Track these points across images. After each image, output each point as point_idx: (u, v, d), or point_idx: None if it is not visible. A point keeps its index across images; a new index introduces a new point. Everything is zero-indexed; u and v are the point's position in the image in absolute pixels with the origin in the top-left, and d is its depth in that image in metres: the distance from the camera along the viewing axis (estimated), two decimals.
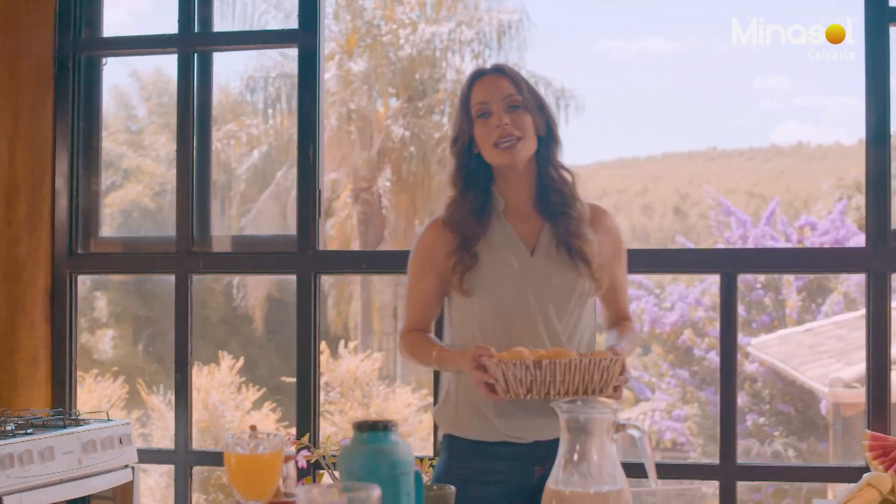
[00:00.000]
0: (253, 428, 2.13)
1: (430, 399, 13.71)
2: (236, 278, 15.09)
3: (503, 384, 2.45)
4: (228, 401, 10.39)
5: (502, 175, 2.78)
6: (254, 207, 16.52)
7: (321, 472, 3.45)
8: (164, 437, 10.16)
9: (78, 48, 4.07)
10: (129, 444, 3.73)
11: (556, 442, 2.44)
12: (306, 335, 3.88)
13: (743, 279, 14.96)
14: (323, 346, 11.17)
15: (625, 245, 2.91)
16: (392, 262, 4.20)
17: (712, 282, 15.46)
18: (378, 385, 11.41)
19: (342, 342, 12.96)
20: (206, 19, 4.04)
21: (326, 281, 16.21)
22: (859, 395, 10.04)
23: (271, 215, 16.11)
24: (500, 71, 2.78)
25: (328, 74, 16.32)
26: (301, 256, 3.87)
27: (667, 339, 15.84)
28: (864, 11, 3.59)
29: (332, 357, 11.55)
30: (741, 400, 14.56)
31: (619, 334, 2.86)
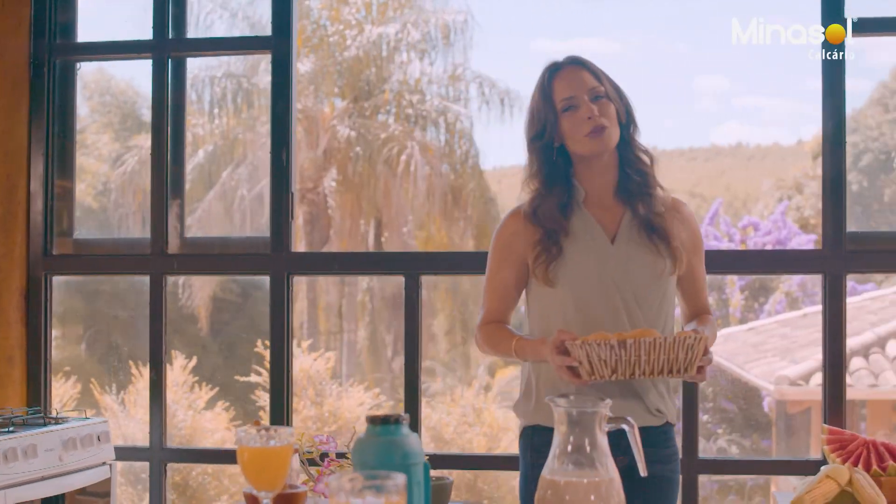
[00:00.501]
0: (257, 423, 2.23)
1: (383, 398, 13.80)
2: (182, 278, 15.09)
3: (587, 366, 2.48)
4: (181, 400, 10.42)
5: (586, 165, 2.82)
6: (199, 207, 16.50)
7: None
8: (117, 437, 10.16)
9: (53, 53, 4.13)
10: (107, 441, 3.80)
11: (648, 430, 2.73)
12: (280, 335, 3.97)
13: None
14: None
15: (702, 240, 2.96)
16: (364, 263, 4.30)
17: None
18: (331, 384, 11.46)
19: (294, 342, 13.02)
20: (180, 25, 4.11)
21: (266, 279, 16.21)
22: (804, 392, 10.24)
23: (217, 215, 16.09)
24: (579, 63, 2.83)
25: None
26: (275, 258, 3.95)
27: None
28: (821, 22, 3.73)
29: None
30: None
31: (697, 325, 2.89)
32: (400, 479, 1.52)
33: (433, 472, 2.53)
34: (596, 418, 2.04)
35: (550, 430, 2.45)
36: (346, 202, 16.97)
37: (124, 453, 4.01)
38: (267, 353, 11.41)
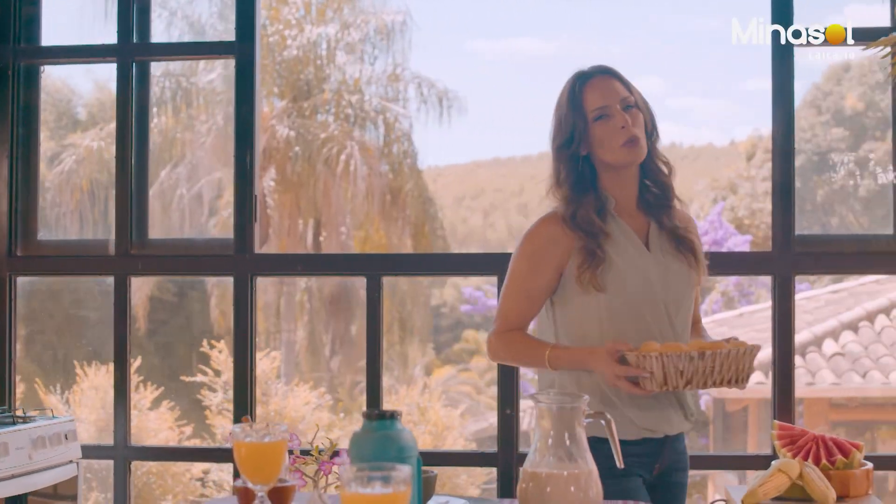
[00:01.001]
0: (246, 419, 2.31)
1: (329, 398, 13.85)
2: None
3: (660, 377, 2.51)
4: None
5: (614, 174, 2.81)
6: None
7: None
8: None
9: (17, 57, 4.17)
10: (74, 440, 3.85)
11: (676, 437, 2.79)
12: (244, 335, 4.03)
13: None
14: (222, 345, 11.25)
15: None
16: (327, 265, 4.38)
17: None
18: (276, 383, 11.52)
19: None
20: (144, 30, 4.16)
21: (209, 281, 16.20)
22: (746, 390, 10.44)
23: (155, 214, 16.06)
24: (609, 73, 2.83)
25: (214, 74, 16.34)
26: (238, 259, 4.02)
27: None
28: (771, 33, 3.86)
29: (230, 356, 11.63)
30: None
31: (702, 333, 2.97)
32: (406, 470, 1.62)
33: None
34: (575, 414, 2.15)
35: (595, 440, 2.44)
36: (286, 202, 16.98)
37: (89, 452, 4.06)
38: (213, 353, 11.49)
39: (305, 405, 11.36)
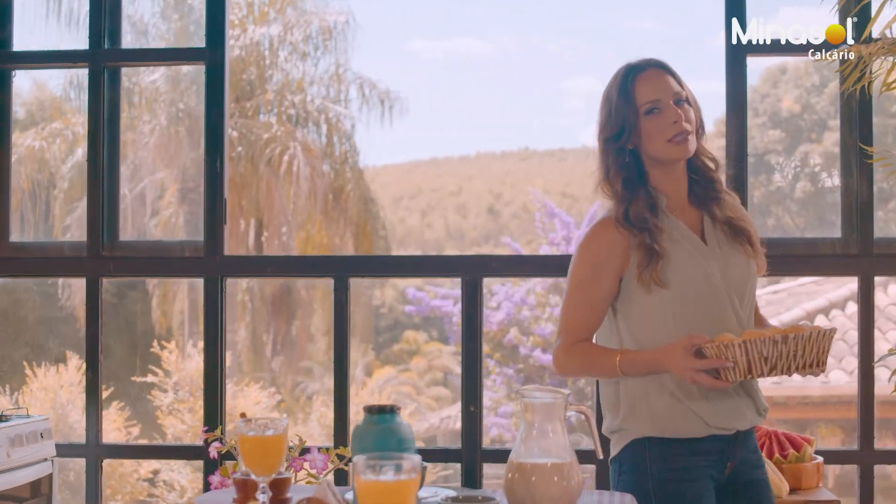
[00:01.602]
0: (243, 415, 2.43)
1: (279, 397, 13.91)
2: (61, 279, 14.98)
3: (744, 366, 2.49)
4: (77, 400, 10.44)
5: (661, 169, 2.79)
6: (79, 206, 16.41)
7: (234, 462, 3.69)
8: None
9: None
10: (49, 438, 3.94)
11: (748, 433, 2.76)
12: (214, 336, 4.13)
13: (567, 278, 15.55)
14: (172, 345, 11.28)
15: None
16: (295, 266, 4.48)
17: (537, 282, 16.03)
18: (227, 383, 11.56)
19: (190, 342, 13.05)
20: (115, 36, 4.24)
21: (151, 281, 16.18)
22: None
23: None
24: (661, 66, 2.79)
25: (157, 74, 16.32)
26: (209, 261, 4.12)
27: (493, 338, 16.34)
28: (725, 43, 4.01)
29: (181, 356, 11.68)
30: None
31: (762, 321, 2.93)
32: (416, 458, 1.75)
33: None
34: (557, 408, 2.29)
35: (670, 441, 2.69)
36: (228, 202, 17.01)
37: (62, 450, 4.14)
38: (163, 354, 11.53)
39: (256, 405, 11.43)
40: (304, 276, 4.68)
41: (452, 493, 2.24)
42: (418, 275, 4.52)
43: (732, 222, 2.79)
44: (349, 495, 2.21)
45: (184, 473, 10.87)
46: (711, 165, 2.83)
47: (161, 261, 4.20)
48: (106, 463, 4.15)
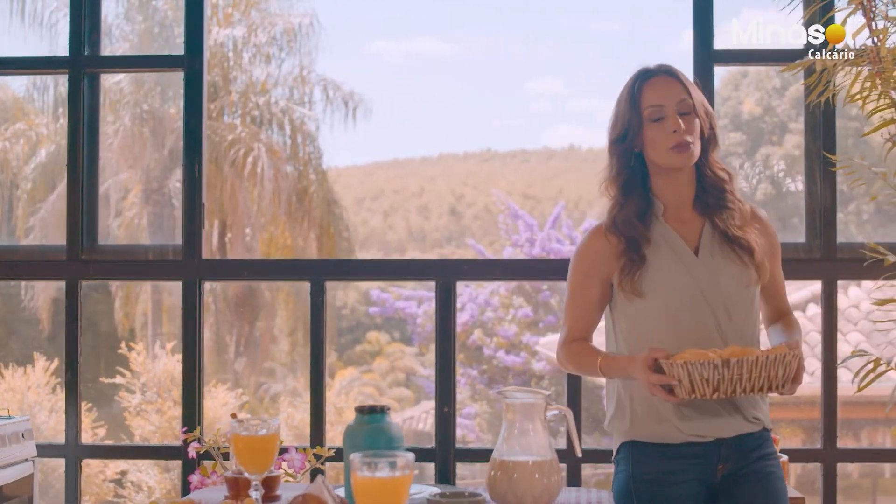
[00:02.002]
0: (234, 415, 2.51)
1: (246, 398, 13.95)
2: (23, 281, 14.97)
3: (688, 385, 2.49)
4: (44, 402, 10.46)
5: (665, 176, 2.81)
6: (42, 208, 16.37)
7: (212, 461, 3.76)
8: None
9: None
10: (31, 438, 3.99)
11: (738, 438, 2.75)
12: (192, 338, 4.18)
13: (531, 281, 15.70)
14: (140, 347, 11.30)
15: (778, 242, 2.92)
16: (272, 270, 4.55)
17: (500, 284, 16.13)
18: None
19: (157, 343, 13.06)
20: (95, 42, 4.30)
21: (114, 283, 16.17)
22: None
23: (60, 215, 15.98)
24: (670, 73, 2.81)
25: (121, 75, 16.31)
26: (187, 264, 4.18)
27: (457, 339, 16.45)
28: (693, 52, 4.10)
29: (148, 357, 11.70)
30: None
31: (783, 329, 2.86)
32: (409, 456, 1.84)
33: None
34: (537, 408, 2.39)
35: (651, 445, 2.75)
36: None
37: (41, 450, 4.18)
38: (131, 356, 11.55)
39: (223, 406, 11.48)
40: (281, 279, 4.75)
41: (437, 490, 2.33)
42: (393, 278, 4.60)
43: (730, 232, 2.78)
44: (340, 491, 2.30)
45: (151, 475, 10.90)
46: (724, 176, 2.83)
47: (139, 264, 4.26)
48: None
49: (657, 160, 2.78)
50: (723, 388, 2.49)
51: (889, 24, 3.18)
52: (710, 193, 2.81)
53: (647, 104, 2.77)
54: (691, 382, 2.48)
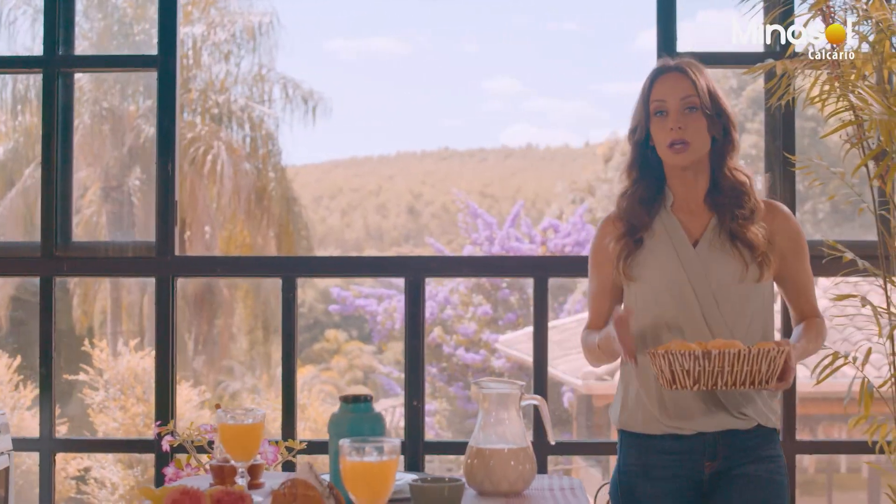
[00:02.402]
0: (218, 406, 2.59)
1: (209, 395, 13.98)
2: None
3: (668, 376, 2.47)
4: (7, 399, 10.44)
5: (674, 171, 2.81)
6: (0, 205, 16.33)
7: (186, 454, 3.82)
8: None
9: None
10: (7, 432, 4.05)
11: (726, 435, 2.72)
12: (165, 334, 4.24)
13: (490, 279, 15.82)
14: (104, 344, 11.32)
15: (805, 240, 2.86)
16: (243, 267, 4.62)
17: (459, 281, 16.25)
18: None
19: (119, 340, 13.07)
20: (69, 42, 4.36)
21: (72, 280, 16.16)
22: (610, 386, 10.94)
23: (19, 212, 15.95)
24: (681, 70, 2.79)
25: (80, 73, 16.27)
26: (160, 261, 4.24)
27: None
28: (656, 54, 4.19)
29: (111, 355, 11.72)
30: None
31: (800, 331, 2.81)
32: (395, 442, 1.93)
33: None
34: (512, 398, 2.49)
35: (636, 436, 2.78)
36: (151, 201, 16.97)
37: (15, 444, 4.23)
38: (95, 353, 11.56)
39: (187, 403, 11.52)
40: (253, 275, 4.82)
41: (416, 477, 2.42)
42: (363, 274, 4.68)
43: (737, 229, 2.76)
44: (325, 477, 2.38)
45: (115, 471, 10.93)
46: (743, 179, 2.81)
47: (113, 260, 4.32)
48: (32, 461, 4.26)
49: (660, 155, 2.80)
50: (703, 381, 2.46)
51: (848, 31, 3.30)
52: (726, 195, 2.79)
53: (653, 99, 2.78)
54: (672, 373, 2.46)
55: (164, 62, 4.27)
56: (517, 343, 14.35)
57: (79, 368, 11.43)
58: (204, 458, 3.73)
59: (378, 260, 4.76)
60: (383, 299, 16.84)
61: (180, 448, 3.78)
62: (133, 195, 16.94)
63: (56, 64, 4.29)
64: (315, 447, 4.11)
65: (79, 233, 16.48)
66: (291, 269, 4.28)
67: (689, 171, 2.80)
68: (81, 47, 17.01)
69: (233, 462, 2.38)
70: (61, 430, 11.37)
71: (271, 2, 19.81)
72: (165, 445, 3.69)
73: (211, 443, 3.59)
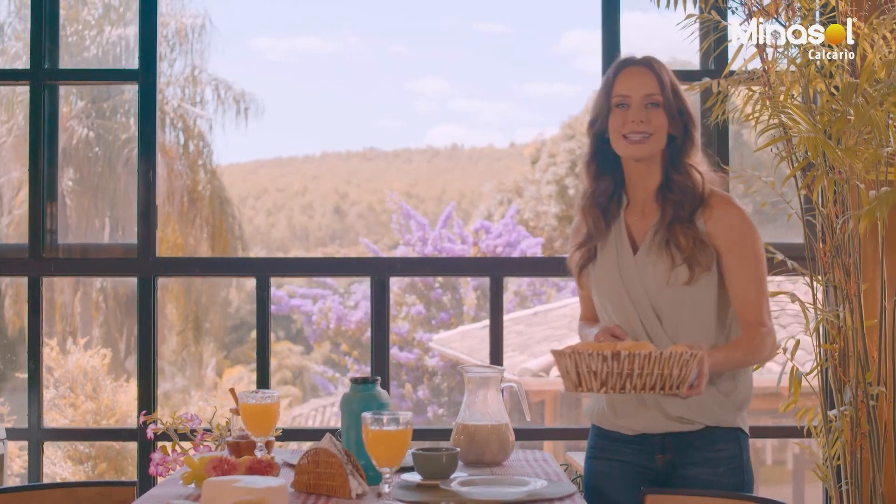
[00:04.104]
0: (232, 390, 2.93)
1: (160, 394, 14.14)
2: None
3: (574, 377, 2.36)
4: None
5: (630, 163, 2.82)
6: None
7: (171, 442, 4.11)
8: None
9: None
10: (1, 421, 4.34)
11: (674, 436, 2.78)
12: (147, 329, 4.54)
13: (422, 278, 16.15)
14: (53, 342, 11.49)
15: (749, 237, 2.76)
16: (222, 267, 4.92)
17: (393, 281, 16.53)
18: (106, 379, 11.81)
19: (70, 339, 13.20)
20: (54, 56, 4.64)
21: (3, 281, 16.22)
22: (545, 382, 11.33)
23: None
24: (647, 65, 2.80)
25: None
26: (142, 262, 4.54)
27: (352, 336, 16.80)
28: (602, 66, 4.54)
29: (61, 353, 11.87)
30: (421, 393, 15.67)
31: (732, 341, 2.75)
32: (409, 415, 2.29)
33: None
34: (493, 381, 2.85)
35: (597, 428, 2.89)
36: (84, 203, 17.05)
37: (7, 434, 4.50)
38: (45, 351, 11.70)
39: (135, 400, 11.67)
40: (229, 275, 5.11)
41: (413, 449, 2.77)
42: (332, 274, 5.01)
43: (669, 228, 2.76)
44: None
45: (65, 467, 11.10)
46: (696, 177, 2.80)
47: (97, 261, 4.61)
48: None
49: (615, 147, 2.81)
50: (611, 383, 2.34)
51: (777, 55, 3.67)
52: (675, 192, 2.78)
53: (616, 92, 2.79)
54: (578, 374, 2.36)
55: (144, 76, 4.56)
56: (451, 342, 14.63)
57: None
58: (186, 444, 4.03)
59: (346, 261, 5.07)
60: (318, 299, 17.09)
61: (164, 436, 4.09)
62: (66, 196, 17.00)
63: (42, 77, 4.56)
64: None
65: (10, 233, 16.54)
66: (265, 269, 4.60)
67: (642, 167, 2.81)
68: (15, 48, 17.11)
69: (252, 437, 2.72)
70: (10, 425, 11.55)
71: (203, 4, 19.89)
72: (150, 433, 3.99)
73: (193, 431, 3.92)
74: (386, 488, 2.31)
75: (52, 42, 4.62)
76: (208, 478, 2.31)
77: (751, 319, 2.72)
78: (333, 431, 2.83)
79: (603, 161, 2.87)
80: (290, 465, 2.82)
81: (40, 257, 4.54)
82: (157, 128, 4.52)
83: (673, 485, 2.79)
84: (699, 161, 2.83)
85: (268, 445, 2.83)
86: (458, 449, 2.66)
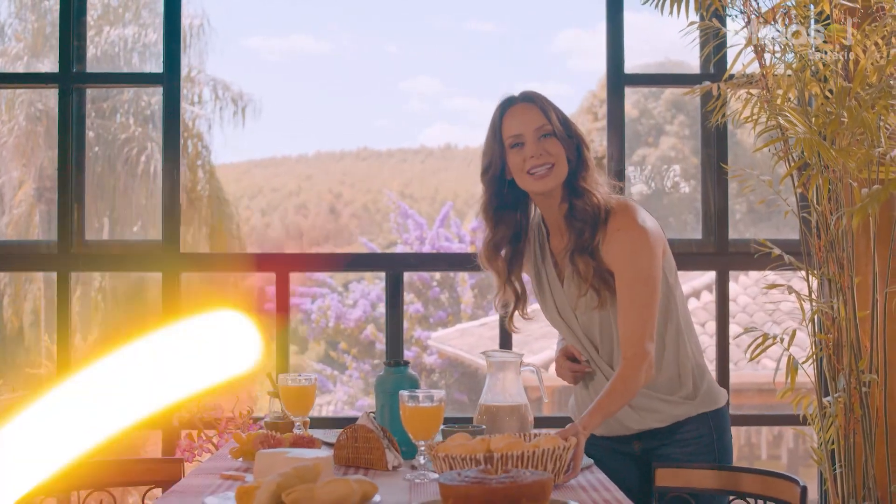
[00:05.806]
0: (269, 375, 3.14)
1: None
2: None
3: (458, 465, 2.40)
4: None
5: (539, 197, 2.90)
6: None
7: (196, 429, 4.29)
8: None
9: None
10: None
11: (645, 433, 3.03)
12: (172, 323, 4.73)
13: (420, 276, 16.32)
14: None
15: (640, 259, 2.80)
16: (241, 262, 5.10)
17: None
18: None
19: (78, 335, 13.38)
20: (82, 59, 4.82)
21: (3, 279, 16.38)
22: (544, 378, 11.47)
23: None
24: (530, 100, 2.87)
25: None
26: (167, 257, 4.73)
27: (351, 334, 16.96)
28: (606, 76, 4.75)
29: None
30: None
31: (603, 393, 2.78)
32: (442, 393, 2.50)
33: None
34: (514, 365, 3.06)
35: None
36: (84, 202, 17.17)
37: None
38: (54, 347, 11.87)
39: None
40: (251, 271, 5.29)
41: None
42: (348, 269, 5.18)
43: (572, 257, 2.87)
44: None
45: None
46: (595, 200, 2.84)
47: (125, 257, 4.80)
48: None
49: (521, 185, 2.88)
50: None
51: (775, 60, 3.86)
52: (579, 218, 2.84)
53: (507, 134, 2.86)
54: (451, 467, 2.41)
55: (169, 80, 4.75)
56: (449, 339, 14.78)
57: (40, 363, 11.75)
58: (211, 432, 4.22)
59: (362, 256, 5.27)
60: (317, 297, 17.25)
61: (188, 424, 4.28)
62: None
63: (71, 80, 4.75)
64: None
65: (9, 232, 16.67)
66: (285, 264, 4.79)
67: (550, 197, 2.88)
68: (15, 48, 17.26)
69: (291, 416, 2.94)
70: None
71: (202, 4, 20.06)
72: (175, 421, 4.18)
73: (217, 419, 4.12)
74: (422, 460, 2.53)
75: (80, 45, 4.79)
76: (260, 450, 2.51)
77: (629, 352, 2.77)
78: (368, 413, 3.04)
79: (502, 204, 2.96)
80: (327, 444, 3.03)
81: (69, 254, 4.72)
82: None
83: (650, 464, 3.03)
84: (596, 182, 2.89)
85: (304, 425, 3.04)
86: (484, 426, 2.87)
